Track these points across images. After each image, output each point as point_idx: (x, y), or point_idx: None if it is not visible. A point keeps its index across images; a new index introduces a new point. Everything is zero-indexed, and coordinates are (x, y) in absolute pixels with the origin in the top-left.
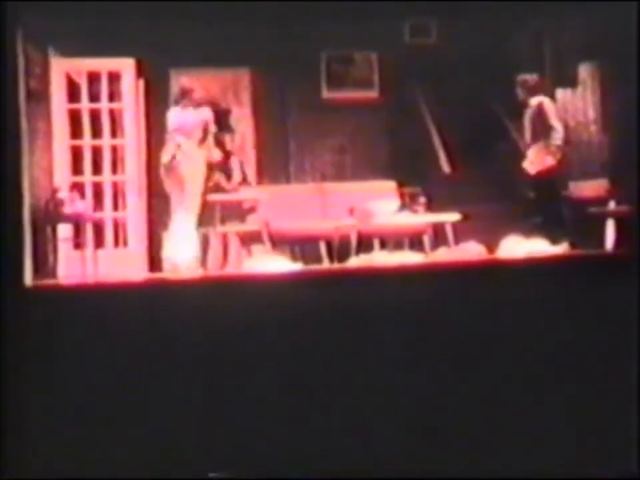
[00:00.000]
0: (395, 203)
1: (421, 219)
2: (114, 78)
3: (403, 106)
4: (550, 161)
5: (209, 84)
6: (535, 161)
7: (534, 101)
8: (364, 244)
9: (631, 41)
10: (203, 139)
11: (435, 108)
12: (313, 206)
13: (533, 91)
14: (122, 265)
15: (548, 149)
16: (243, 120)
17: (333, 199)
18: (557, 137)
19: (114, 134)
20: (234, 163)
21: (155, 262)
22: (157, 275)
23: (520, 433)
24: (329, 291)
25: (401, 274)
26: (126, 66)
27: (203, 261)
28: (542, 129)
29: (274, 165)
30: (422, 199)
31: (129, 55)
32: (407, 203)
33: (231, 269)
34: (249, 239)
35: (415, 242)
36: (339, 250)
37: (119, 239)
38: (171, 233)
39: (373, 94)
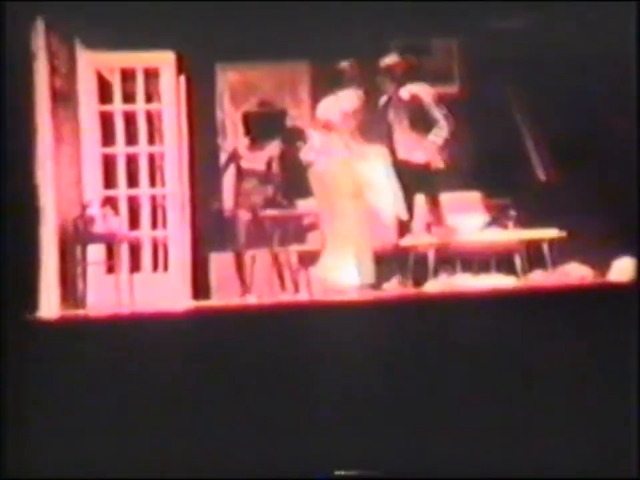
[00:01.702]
0: (480, 216)
1: (511, 235)
2: (151, 75)
3: (488, 103)
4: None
5: (262, 80)
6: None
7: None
8: (444, 265)
9: None
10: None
11: (527, 104)
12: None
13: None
14: (162, 292)
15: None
16: (299, 120)
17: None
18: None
19: (152, 140)
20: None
21: (200, 288)
22: (203, 304)
23: (520, 432)
24: (403, 319)
25: (488, 300)
26: (165, 61)
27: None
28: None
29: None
30: (512, 212)
31: (169, 48)
32: (495, 216)
33: (288, 295)
34: (309, 261)
35: (505, 263)
36: (415, 271)
37: (158, 261)
38: (328, 247)
39: (452, 89)
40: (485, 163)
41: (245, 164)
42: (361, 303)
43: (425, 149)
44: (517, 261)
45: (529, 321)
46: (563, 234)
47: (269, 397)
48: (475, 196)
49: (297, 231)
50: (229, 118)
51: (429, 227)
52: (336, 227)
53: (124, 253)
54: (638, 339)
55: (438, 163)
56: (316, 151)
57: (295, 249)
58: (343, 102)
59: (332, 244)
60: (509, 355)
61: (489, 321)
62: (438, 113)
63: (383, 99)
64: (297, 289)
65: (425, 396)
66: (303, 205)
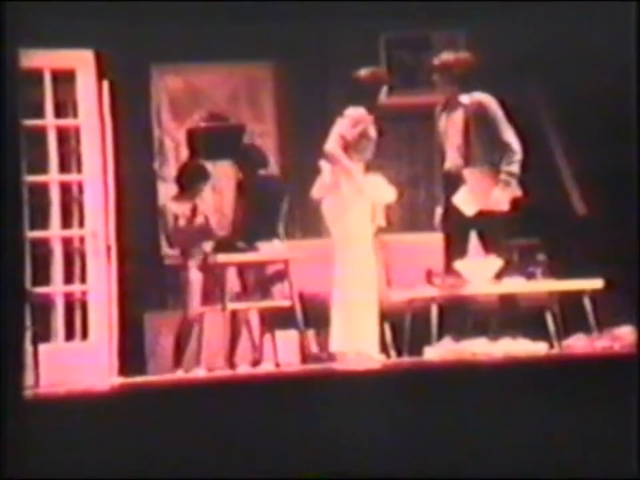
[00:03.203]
0: (498, 261)
1: (540, 286)
2: (64, 80)
3: (507, 113)
4: (500, 197)
5: (212, 87)
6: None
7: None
8: (450, 325)
9: None
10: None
11: (560, 117)
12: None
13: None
14: (79, 368)
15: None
16: (262, 138)
17: (400, 256)
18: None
19: (65, 165)
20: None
21: (130, 360)
22: (134, 380)
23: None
24: (395, 397)
25: (510, 374)
26: (81, 61)
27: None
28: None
29: (311, 207)
30: (541, 256)
31: (89, 45)
32: (518, 261)
33: (244, 365)
34: (274, 320)
35: (533, 323)
36: (412, 334)
37: (75, 326)
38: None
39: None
40: None
41: None
42: (340, 375)
43: (497, 182)
44: (549, 320)
45: (567, 403)
46: (608, 285)
47: None
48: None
49: (260, 282)
50: (169, 136)
51: (429, 275)
52: (351, 276)
53: (26, 316)
54: None
55: (503, 204)
56: (326, 187)
57: (256, 305)
58: (342, 125)
59: (346, 298)
60: (542, 446)
61: (511, 401)
62: (509, 132)
63: (438, 106)
64: (259, 358)
65: None
66: (267, 249)
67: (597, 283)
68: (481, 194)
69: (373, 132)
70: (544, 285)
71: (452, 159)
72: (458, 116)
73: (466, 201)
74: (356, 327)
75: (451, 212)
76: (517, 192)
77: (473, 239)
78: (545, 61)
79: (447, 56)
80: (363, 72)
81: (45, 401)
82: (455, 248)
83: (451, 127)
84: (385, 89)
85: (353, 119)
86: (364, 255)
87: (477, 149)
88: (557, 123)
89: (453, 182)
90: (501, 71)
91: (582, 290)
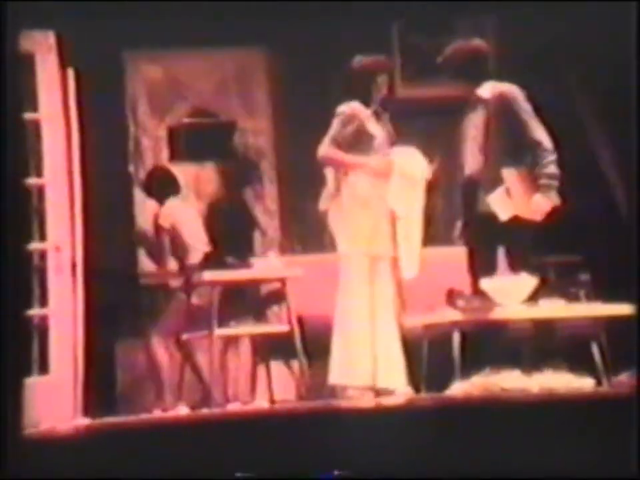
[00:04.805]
0: (531, 280)
1: (583, 310)
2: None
3: (537, 102)
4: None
5: (196, 77)
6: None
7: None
8: (476, 355)
9: None
10: None
11: (601, 112)
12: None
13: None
14: (38, 407)
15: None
16: (256, 137)
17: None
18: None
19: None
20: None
21: (99, 398)
22: (103, 421)
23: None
24: (415, 437)
25: (547, 413)
26: (39, 45)
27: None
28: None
29: (312, 217)
30: (584, 276)
31: (46, 26)
32: (556, 281)
33: (234, 402)
34: (269, 348)
35: (575, 353)
36: (430, 366)
37: (32, 358)
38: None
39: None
40: None
41: None
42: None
43: (537, 186)
44: (595, 351)
45: (613, 447)
46: None
47: None
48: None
49: (253, 304)
50: (147, 134)
51: (450, 296)
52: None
53: None
54: None
55: (543, 211)
56: (329, 196)
57: (248, 331)
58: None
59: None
60: None
61: (548, 444)
62: (539, 130)
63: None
64: (251, 393)
65: None
66: (261, 265)
67: None
68: (520, 197)
69: (375, 128)
70: (587, 309)
71: (472, 163)
72: (478, 113)
73: (502, 203)
74: (360, 357)
75: (474, 222)
76: (557, 200)
77: (501, 254)
78: (580, 50)
79: (463, 44)
80: (360, 60)
81: None
82: (480, 265)
83: (471, 125)
84: (385, 80)
85: (344, 117)
86: (374, 271)
87: (501, 150)
88: (596, 119)
89: (474, 189)
90: (529, 61)
91: (633, 315)
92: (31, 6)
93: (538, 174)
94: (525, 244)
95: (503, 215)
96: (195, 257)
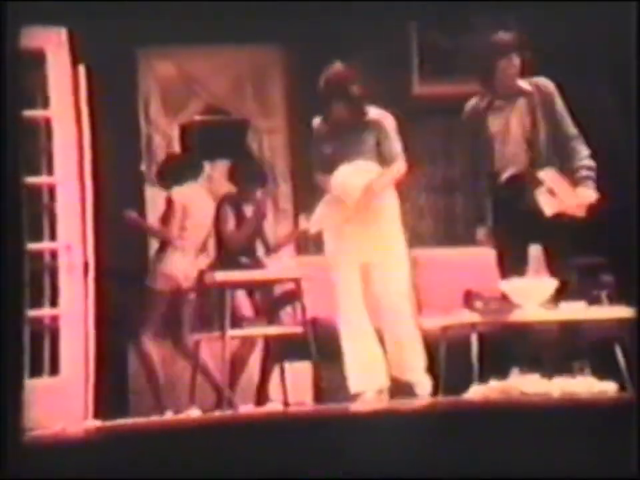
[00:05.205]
0: (552, 282)
1: (607, 313)
2: (32, 62)
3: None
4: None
5: (209, 75)
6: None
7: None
8: (495, 358)
9: None
10: None
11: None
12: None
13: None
14: (48, 409)
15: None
16: (270, 137)
17: (430, 274)
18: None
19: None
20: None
21: (109, 399)
22: (114, 423)
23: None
24: (431, 443)
25: (569, 418)
26: (50, 41)
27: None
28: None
29: None
30: (607, 278)
31: (58, 22)
32: (578, 282)
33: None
34: (283, 350)
35: (598, 358)
36: (448, 369)
37: (43, 359)
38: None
39: None
40: None
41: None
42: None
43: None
44: (619, 354)
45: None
46: None
47: None
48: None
49: (266, 305)
50: (159, 132)
51: (468, 297)
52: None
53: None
54: None
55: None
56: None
57: (262, 332)
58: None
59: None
60: None
61: (570, 451)
62: (572, 125)
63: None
64: (264, 395)
65: None
66: (275, 265)
67: None
68: (563, 193)
69: (327, 146)
70: (611, 312)
71: (514, 158)
72: (520, 105)
73: (547, 199)
74: (372, 360)
75: (512, 222)
76: (596, 193)
77: (535, 253)
78: (607, 49)
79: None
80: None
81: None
82: (512, 265)
83: (512, 118)
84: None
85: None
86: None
87: (543, 147)
88: (624, 115)
89: (517, 185)
90: (556, 57)
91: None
92: (42, 2)
93: (576, 167)
94: (556, 244)
95: (549, 210)
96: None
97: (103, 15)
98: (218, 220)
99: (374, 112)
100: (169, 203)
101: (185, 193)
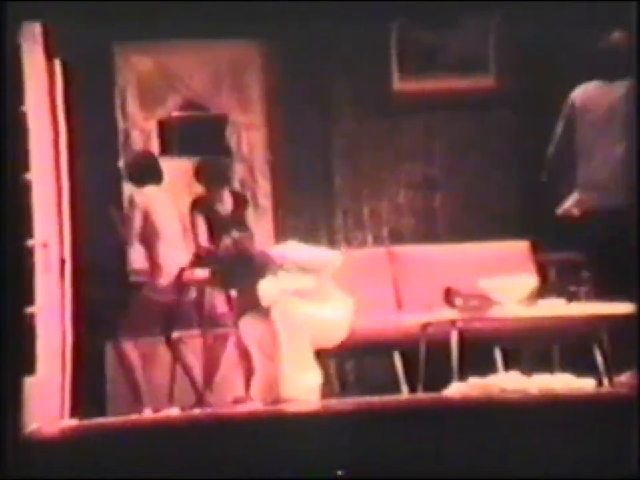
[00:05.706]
0: (531, 279)
1: (584, 310)
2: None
3: (538, 100)
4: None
5: (188, 69)
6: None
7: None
8: (474, 355)
9: None
10: None
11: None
12: (378, 285)
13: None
14: (26, 407)
15: None
16: (248, 133)
17: (413, 271)
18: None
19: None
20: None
21: (86, 398)
22: (91, 422)
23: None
24: (412, 442)
25: (547, 415)
26: (26, 36)
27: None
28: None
29: (307, 214)
30: (585, 274)
31: (32, 17)
32: (556, 279)
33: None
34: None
35: (576, 354)
36: (427, 366)
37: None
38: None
39: (486, 81)
40: (538, 194)
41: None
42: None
43: None
44: (597, 351)
45: (615, 450)
46: None
47: None
48: (521, 247)
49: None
50: (137, 127)
51: (448, 294)
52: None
53: None
54: None
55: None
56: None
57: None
58: None
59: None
60: None
61: (548, 447)
62: None
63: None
64: (244, 395)
65: None
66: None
67: None
68: None
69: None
70: (589, 308)
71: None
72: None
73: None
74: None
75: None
76: None
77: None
78: (580, 50)
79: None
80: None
81: None
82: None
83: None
84: None
85: None
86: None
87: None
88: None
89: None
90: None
91: (634, 314)
92: None
93: None
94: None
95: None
96: (165, 246)
97: (79, 7)
98: (192, 226)
99: None
100: (131, 203)
101: (146, 194)
